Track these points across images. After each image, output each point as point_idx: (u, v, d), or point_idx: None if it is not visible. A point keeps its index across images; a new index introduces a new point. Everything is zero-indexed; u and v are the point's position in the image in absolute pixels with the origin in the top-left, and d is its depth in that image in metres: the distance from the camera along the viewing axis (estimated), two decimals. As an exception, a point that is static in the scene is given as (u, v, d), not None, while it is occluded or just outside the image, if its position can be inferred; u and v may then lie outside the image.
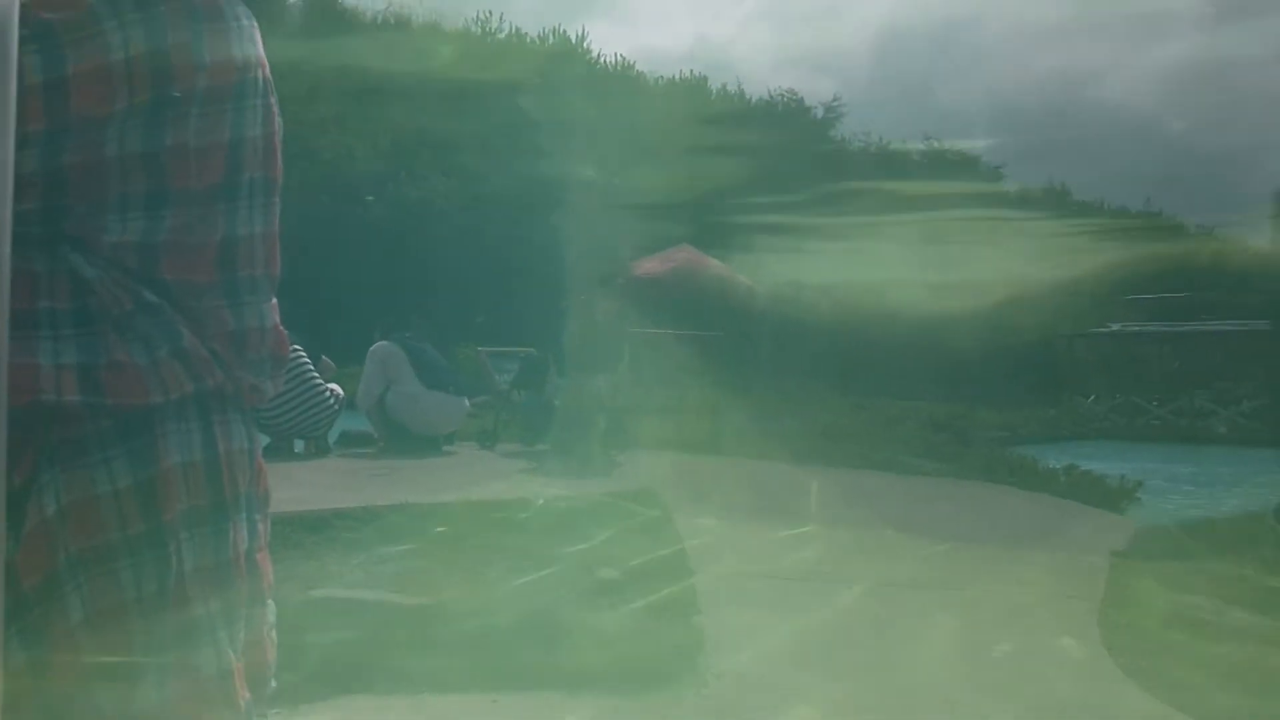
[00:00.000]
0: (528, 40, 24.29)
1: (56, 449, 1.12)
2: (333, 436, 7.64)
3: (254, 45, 1.22)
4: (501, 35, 24.20)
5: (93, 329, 1.13)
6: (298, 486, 5.65)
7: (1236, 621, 4.52)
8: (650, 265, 13.01)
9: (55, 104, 1.07)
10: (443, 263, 17.62)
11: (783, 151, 20.51)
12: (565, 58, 23.56)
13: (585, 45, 25.04)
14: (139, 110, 1.11)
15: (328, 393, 7.25)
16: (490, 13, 24.56)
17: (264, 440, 6.47)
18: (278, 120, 1.27)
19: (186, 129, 1.15)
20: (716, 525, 5.73)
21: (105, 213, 1.13)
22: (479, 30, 24.10)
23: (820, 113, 27.45)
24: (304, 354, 7.17)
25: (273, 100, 1.26)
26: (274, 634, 1.30)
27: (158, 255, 1.16)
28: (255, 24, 1.24)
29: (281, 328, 1.32)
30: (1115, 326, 18.24)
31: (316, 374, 7.27)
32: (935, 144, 27.98)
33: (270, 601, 1.30)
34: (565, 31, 25.25)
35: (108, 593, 1.11)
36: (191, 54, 1.14)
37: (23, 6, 1.04)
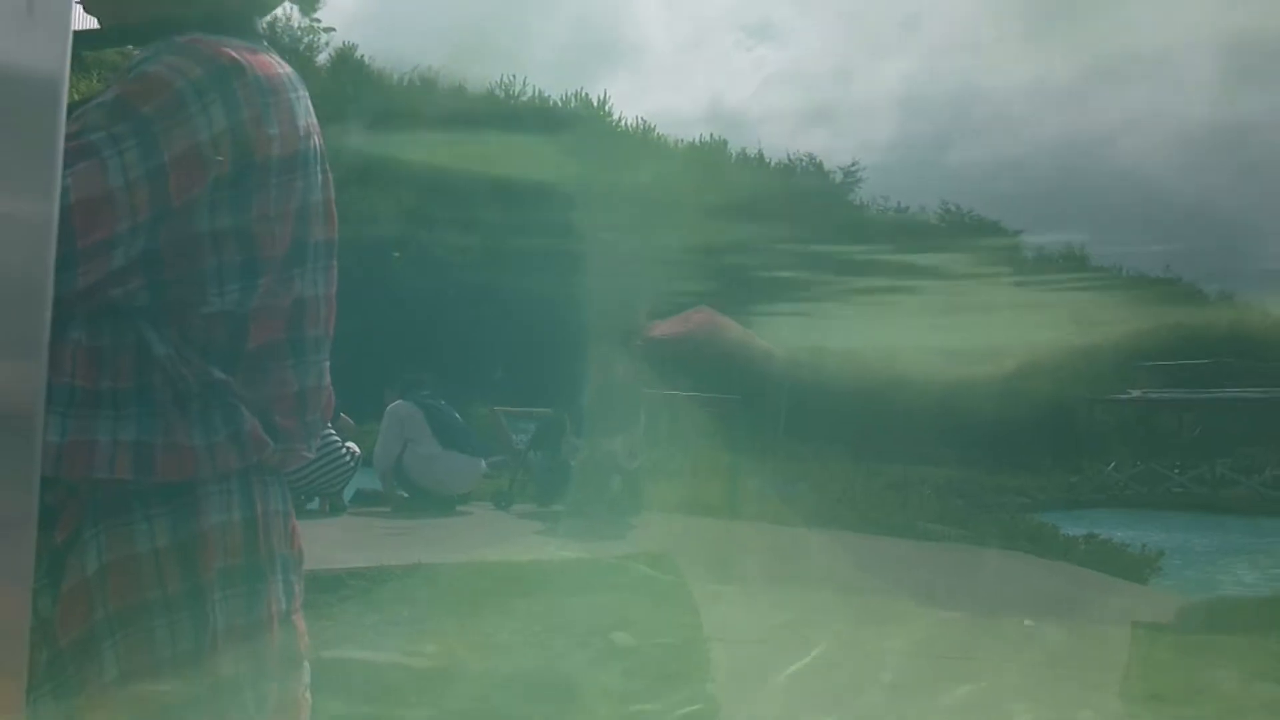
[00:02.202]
0: (550, 102, 24.67)
1: (100, 508, 1.15)
2: (348, 494, 7.65)
3: (310, 114, 1.28)
4: (524, 98, 24.59)
5: (154, 408, 1.16)
6: (312, 544, 5.63)
7: (1261, 696, 4.44)
8: (668, 326, 13.05)
9: (157, 192, 1.12)
10: (461, 322, 17.75)
11: (802, 214, 20.64)
12: (586, 119, 23.91)
13: (606, 107, 25.41)
14: (225, 184, 1.17)
15: (345, 451, 7.28)
16: (514, 76, 24.97)
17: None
18: (331, 183, 1.32)
19: (267, 198, 1.20)
20: (731, 590, 5.69)
21: (203, 286, 1.18)
22: (502, 93, 24.50)
23: (839, 176, 27.72)
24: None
25: (327, 165, 1.31)
26: (308, 694, 1.31)
27: (246, 323, 1.20)
28: (307, 93, 1.30)
29: (330, 387, 1.35)
30: (1135, 393, 18.14)
31: (335, 432, 7.30)
32: (953, 207, 28.14)
33: (305, 663, 1.30)
34: (587, 93, 25.65)
35: (143, 651, 1.13)
36: (264, 126, 1.19)
37: (117, 99, 1.12)
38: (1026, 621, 5.35)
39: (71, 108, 1.30)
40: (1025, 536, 8.78)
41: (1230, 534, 11.36)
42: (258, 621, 1.21)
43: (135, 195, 1.11)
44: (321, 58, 23.47)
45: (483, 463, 8.12)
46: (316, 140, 1.28)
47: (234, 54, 1.19)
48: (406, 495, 7.71)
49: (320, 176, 1.29)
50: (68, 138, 1.04)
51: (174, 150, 1.13)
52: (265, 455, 1.22)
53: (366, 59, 24.12)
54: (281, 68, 1.26)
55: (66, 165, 1.00)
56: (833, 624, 5.19)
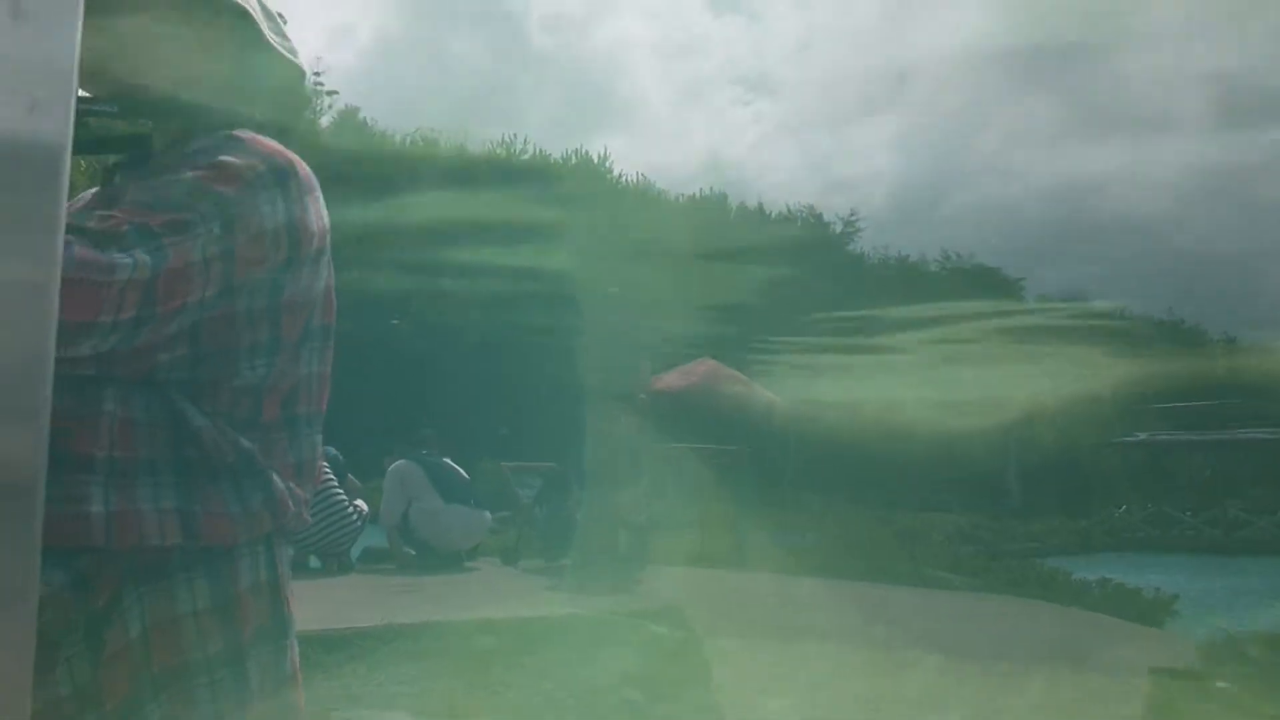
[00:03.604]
0: (550, 160, 24.91)
1: (139, 572, 1.19)
2: (355, 553, 7.63)
3: (324, 209, 1.37)
4: (525, 156, 24.84)
5: (192, 476, 1.21)
6: (319, 604, 5.62)
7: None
8: (672, 379, 13.08)
9: (226, 270, 1.20)
10: (464, 379, 17.78)
11: (802, 266, 20.74)
12: (587, 176, 24.12)
13: (606, 164, 25.65)
14: (274, 270, 1.27)
15: (353, 510, 7.27)
16: (514, 134, 25.26)
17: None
18: (333, 273, 1.42)
19: (298, 286, 1.30)
20: (739, 644, 5.64)
21: (237, 360, 1.26)
22: (503, 151, 24.75)
23: (838, 226, 27.88)
24: (329, 470, 7.21)
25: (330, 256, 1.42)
26: None
27: (262, 397, 1.29)
28: None
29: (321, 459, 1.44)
30: (1142, 436, 18.08)
31: (342, 491, 7.30)
32: (953, 255, 28.26)
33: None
34: (586, 150, 25.90)
35: (186, 711, 1.17)
36: (307, 221, 1.30)
37: (197, 180, 1.20)
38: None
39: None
40: (1037, 582, 8.71)
41: (1245, 576, 11.26)
42: (284, 678, 1.28)
43: (210, 270, 1.18)
44: (325, 119, 23.75)
45: (488, 515, 8.10)
46: (328, 234, 1.38)
47: (287, 153, 1.30)
48: (413, 552, 7.69)
49: (329, 266, 1.38)
50: (147, 207, 1.15)
51: (246, 234, 1.22)
52: (289, 519, 1.30)
53: (369, 121, 24.41)
54: (306, 167, 1.35)
55: (150, 237, 1.12)
56: (844, 675, 5.14)
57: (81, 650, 1.14)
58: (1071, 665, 5.63)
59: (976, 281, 25.03)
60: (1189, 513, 15.69)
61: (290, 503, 1.29)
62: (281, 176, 1.28)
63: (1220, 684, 5.23)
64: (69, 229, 1.05)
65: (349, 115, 24.17)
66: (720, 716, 4.23)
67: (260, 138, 1.30)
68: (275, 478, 1.27)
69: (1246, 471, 16.62)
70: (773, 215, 27.53)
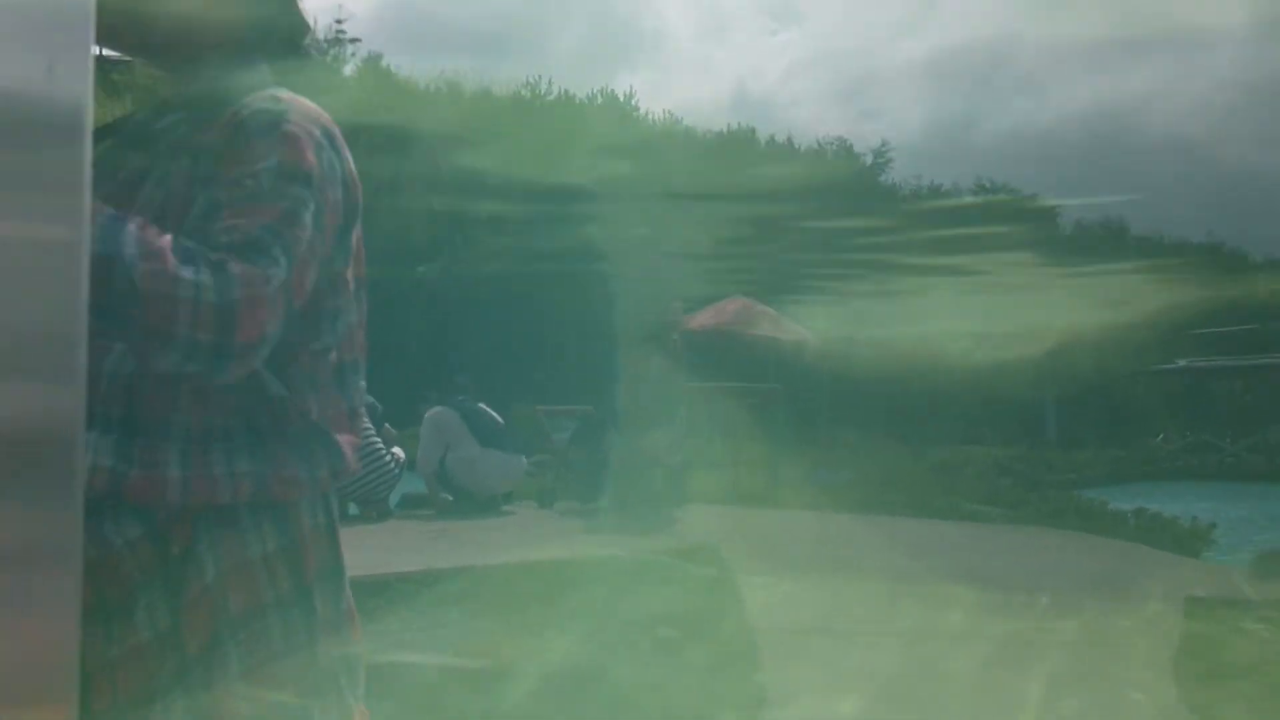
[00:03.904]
0: (576, 100, 24.69)
1: (210, 521, 1.26)
2: (394, 499, 7.74)
3: None
4: (551, 97, 24.63)
5: (264, 440, 1.28)
6: (359, 550, 5.70)
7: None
8: (703, 318, 13.04)
9: (322, 243, 1.29)
10: (497, 323, 17.85)
11: (833, 199, 20.52)
12: (613, 115, 23.91)
13: (633, 102, 25.38)
14: (343, 230, 1.36)
15: (390, 458, 7.36)
16: (539, 75, 25.04)
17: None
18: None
19: (356, 240, 1.40)
20: (776, 581, 5.68)
21: (319, 324, 1.34)
22: (529, 94, 24.56)
23: (869, 158, 27.49)
24: (367, 419, 7.28)
25: None
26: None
27: (329, 356, 1.37)
28: None
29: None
30: (1182, 363, 17.85)
31: (380, 439, 7.38)
32: (986, 183, 27.83)
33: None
34: (613, 90, 25.64)
35: (261, 648, 1.25)
36: (355, 174, 1.38)
37: (282, 164, 1.26)
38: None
39: (103, 130, 1.39)
40: (1073, 513, 8.69)
41: (1284, 502, 11.17)
42: (343, 615, 1.36)
43: (316, 247, 1.27)
44: (348, 68, 23.63)
45: (524, 459, 8.17)
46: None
47: (321, 110, 1.35)
48: (451, 498, 7.78)
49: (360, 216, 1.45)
50: (252, 202, 1.22)
51: (330, 204, 1.30)
52: (348, 477, 1.38)
53: (393, 67, 24.26)
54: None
55: (277, 234, 1.21)
56: (882, 611, 5.17)
57: (160, 596, 1.21)
58: (1107, 596, 5.63)
59: (1011, 210, 24.65)
60: (1228, 439, 15.54)
61: (352, 462, 1.36)
62: (331, 136, 1.33)
63: (1259, 612, 5.22)
64: (213, 247, 1.16)
65: (372, 62, 24.06)
66: (757, 654, 4.28)
67: (298, 97, 1.35)
68: (340, 441, 1.34)
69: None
70: (802, 149, 27.19)
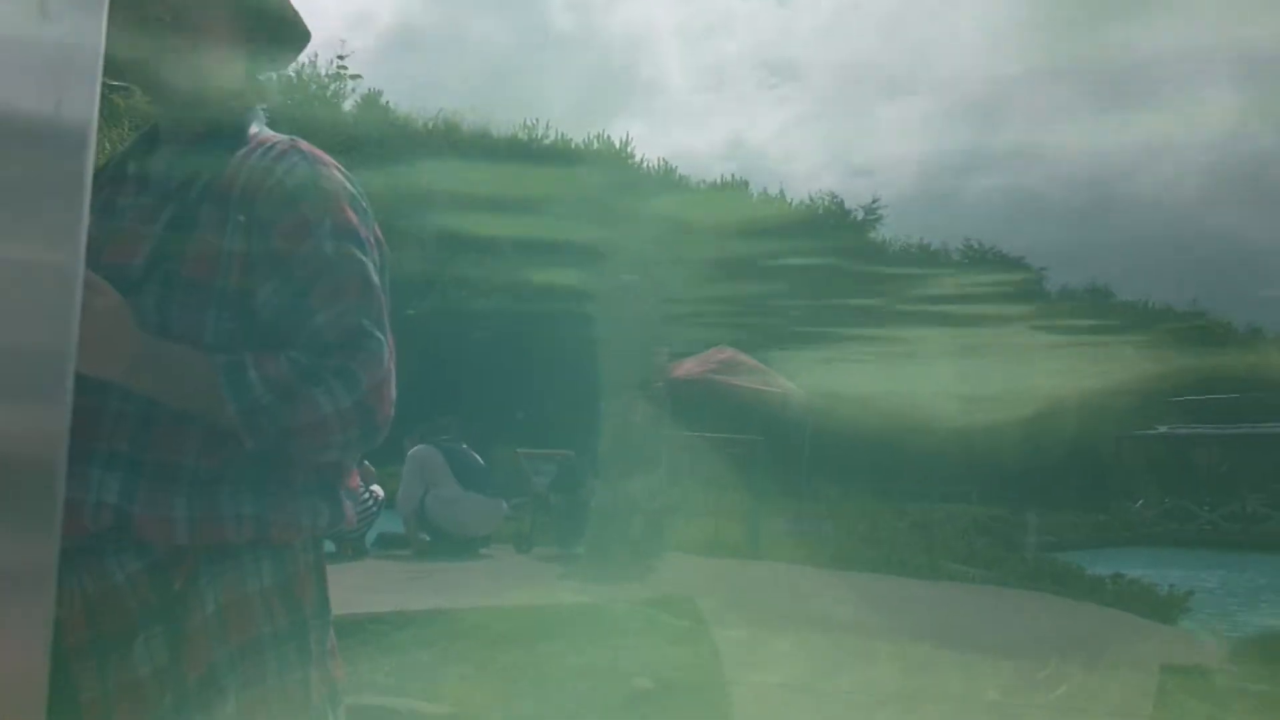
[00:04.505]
0: (572, 145, 24.88)
1: (211, 555, 1.28)
2: (370, 538, 7.68)
3: None
4: (547, 141, 24.81)
5: (270, 486, 1.31)
6: (333, 588, 5.65)
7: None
8: (690, 366, 13.07)
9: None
10: (483, 364, 17.84)
11: (823, 254, 20.67)
12: (609, 161, 24.09)
13: (629, 149, 25.59)
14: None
15: (369, 495, 7.32)
16: (537, 119, 25.21)
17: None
18: None
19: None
20: (753, 634, 5.65)
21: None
22: (525, 136, 24.73)
23: (860, 214, 27.73)
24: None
25: None
26: None
27: None
28: None
29: None
30: (1163, 429, 17.96)
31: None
32: (975, 244, 28.10)
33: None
34: (609, 136, 25.84)
35: (257, 681, 1.27)
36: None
37: (336, 226, 1.33)
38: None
39: (107, 166, 1.41)
40: (1051, 577, 8.69)
41: (1263, 571, 11.18)
42: (331, 650, 1.38)
43: (386, 301, 1.36)
44: (348, 104, 23.80)
45: (504, 504, 8.13)
46: None
47: (330, 159, 1.40)
48: (428, 538, 7.73)
49: None
50: (338, 285, 1.30)
51: (377, 257, 1.38)
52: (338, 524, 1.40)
53: (391, 104, 24.43)
54: None
55: (366, 311, 1.31)
56: (854, 667, 5.14)
57: (159, 630, 1.21)
58: (1080, 661, 5.61)
59: (998, 271, 24.87)
60: (1206, 507, 15.58)
61: (352, 519, 1.40)
62: (357, 185, 1.39)
63: (1231, 681, 5.21)
64: (321, 346, 1.27)
65: (372, 99, 24.22)
66: (731, 707, 4.25)
67: (314, 149, 1.39)
68: (344, 496, 1.39)
69: (1268, 465, 16.46)
70: (794, 202, 27.43)
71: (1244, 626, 7.64)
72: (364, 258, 1.32)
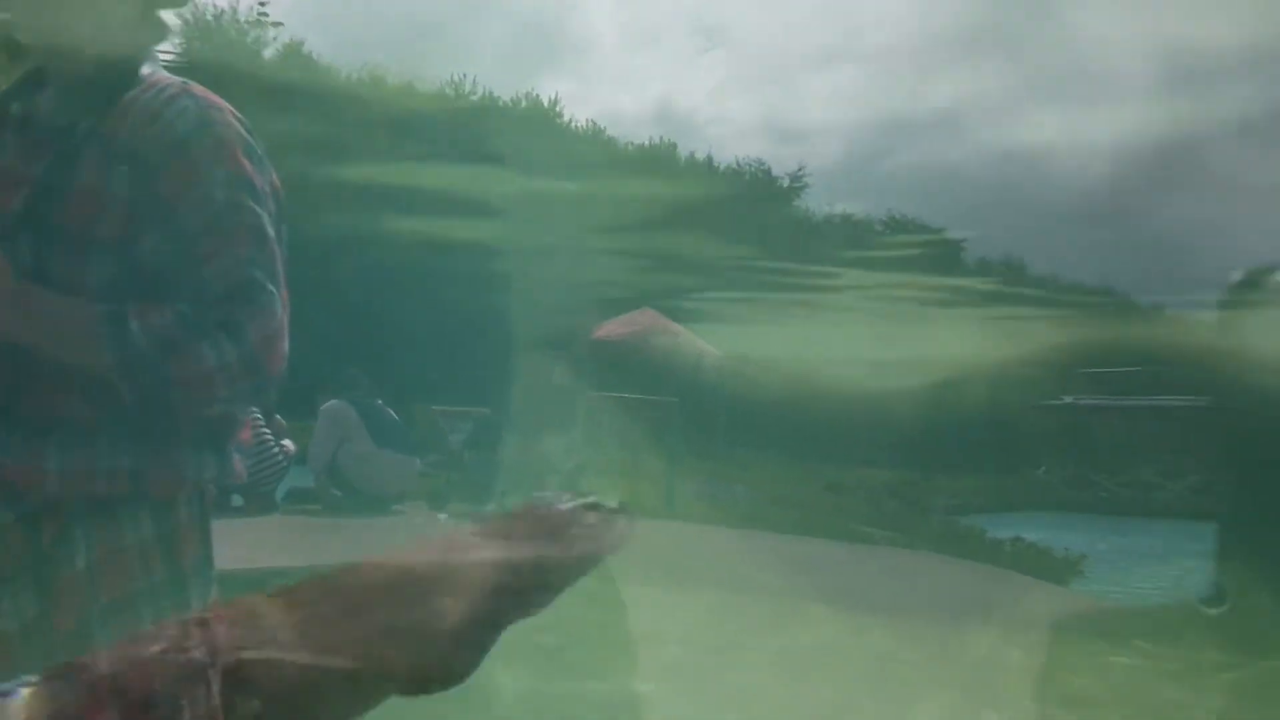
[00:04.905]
0: (500, 103, 24.54)
1: (87, 508, 1.26)
2: (280, 493, 7.60)
3: None
4: (475, 97, 24.43)
5: (154, 440, 1.29)
6: (241, 544, 5.60)
7: (1171, 698, 4.59)
8: (611, 327, 13.10)
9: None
10: (398, 320, 17.62)
11: (748, 220, 20.80)
12: (536, 119, 23.84)
13: (557, 109, 25.34)
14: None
15: (279, 450, 7.23)
16: (464, 75, 24.77)
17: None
18: None
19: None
20: (659, 593, 5.74)
21: None
22: (452, 92, 24.32)
23: (785, 181, 27.87)
24: (257, 410, 7.15)
25: None
26: None
27: None
28: None
29: None
30: (1068, 399, 18.51)
31: (269, 430, 7.25)
32: (897, 216, 28.48)
33: None
34: (538, 95, 25.54)
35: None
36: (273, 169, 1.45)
37: (230, 176, 1.29)
38: None
39: None
40: (956, 539, 8.95)
41: (1152, 537, 11.65)
42: (210, 603, 1.33)
43: (282, 253, 1.35)
44: (268, 52, 23.12)
45: (418, 462, 8.10)
46: None
47: (222, 102, 1.37)
48: (340, 494, 7.68)
49: None
50: (226, 233, 1.26)
51: (272, 205, 1.34)
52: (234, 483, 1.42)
53: (314, 55, 23.78)
54: None
55: (258, 263, 1.28)
56: (766, 627, 5.26)
57: (28, 584, 1.17)
58: (974, 620, 5.82)
59: (918, 242, 25.27)
60: (1105, 475, 16.14)
61: (241, 473, 1.39)
62: (252, 133, 1.34)
63: (1117, 641, 5.45)
64: (208, 295, 1.23)
65: (294, 48, 23.53)
66: (638, 666, 4.32)
67: (208, 93, 1.33)
68: (233, 450, 1.37)
69: (1161, 437, 17.07)
70: (722, 167, 27.46)
71: (1131, 589, 7.97)
72: (257, 208, 1.28)
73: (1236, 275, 6.82)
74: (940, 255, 25.08)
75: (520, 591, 0.69)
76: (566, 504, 0.67)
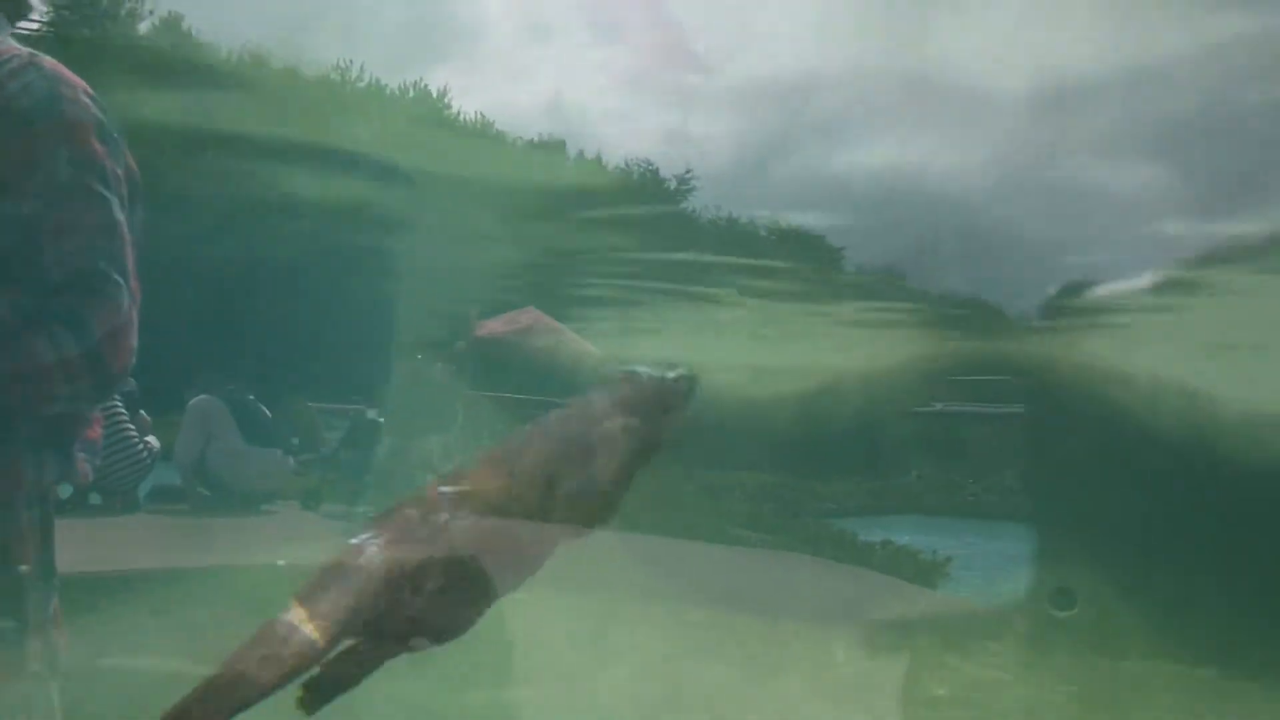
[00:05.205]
0: (387, 91, 24.11)
1: None
2: (144, 491, 7.34)
3: None
4: (361, 84, 23.93)
5: None
6: (99, 544, 5.39)
7: (1022, 697, 4.80)
8: (492, 326, 13.01)
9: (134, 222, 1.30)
10: (273, 314, 17.16)
11: (634, 220, 20.90)
12: (424, 110, 23.50)
13: (445, 99, 25.01)
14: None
15: (142, 446, 6.98)
16: (350, 61, 24.25)
17: (66, 491, 6.22)
18: None
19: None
20: (535, 597, 5.72)
21: None
22: (338, 78, 23.78)
23: (673, 184, 28.10)
24: (120, 403, 6.88)
25: None
26: None
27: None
28: None
29: None
30: (938, 406, 19.17)
31: (132, 426, 6.99)
32: (780, 223, 29.00)
33: None
34: (427, 85, 25.17)
35: None
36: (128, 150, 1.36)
37: (75, 158, 1.20)
38: None
39: None
40: (828, 541, 9.17)
41: (1014, 540, 12.13)
42: (51, 618, 1.32)
43: (131, 242, 1.25)
44: (144, 25, 22.20)
45: (291, 460, 7.91)
46: None
47: (77, 75, 1.28)
48: (207, 493, 7.45)
49: None
50: (61, 209, 1.18)
51: (122, 189, 1.26)
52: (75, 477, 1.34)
53: (193, 31, 22.94)
54: None
55: (103, 252, 1.19)
56: (637, 628, 5.31)
57: None
58: (847, 622, 5.99)
59: (799, 249, 25.79)
60: (971, 480, 16.78)
61: (87, 475, 1.32)
62: (104, 110, 1.25)
63: (978, 642, 5.67)
64: (49, 285, 1.15)
65: (172, 23, 22.67)
66: (510, 665, 4.32)
67: (59, 66, 1.23)
68: (77, 449, 1.30)
69: (1021, 443, 17.81)
70: (610, 166, 27.52)
71: (996, 589, 8.28)
72: (106, 192, 1.20)
73: (1053, 289, 7.15)
74: (820, 263, 25.65)
75: (644, 451, 0.95)
76: (668, 374, 0.90)
